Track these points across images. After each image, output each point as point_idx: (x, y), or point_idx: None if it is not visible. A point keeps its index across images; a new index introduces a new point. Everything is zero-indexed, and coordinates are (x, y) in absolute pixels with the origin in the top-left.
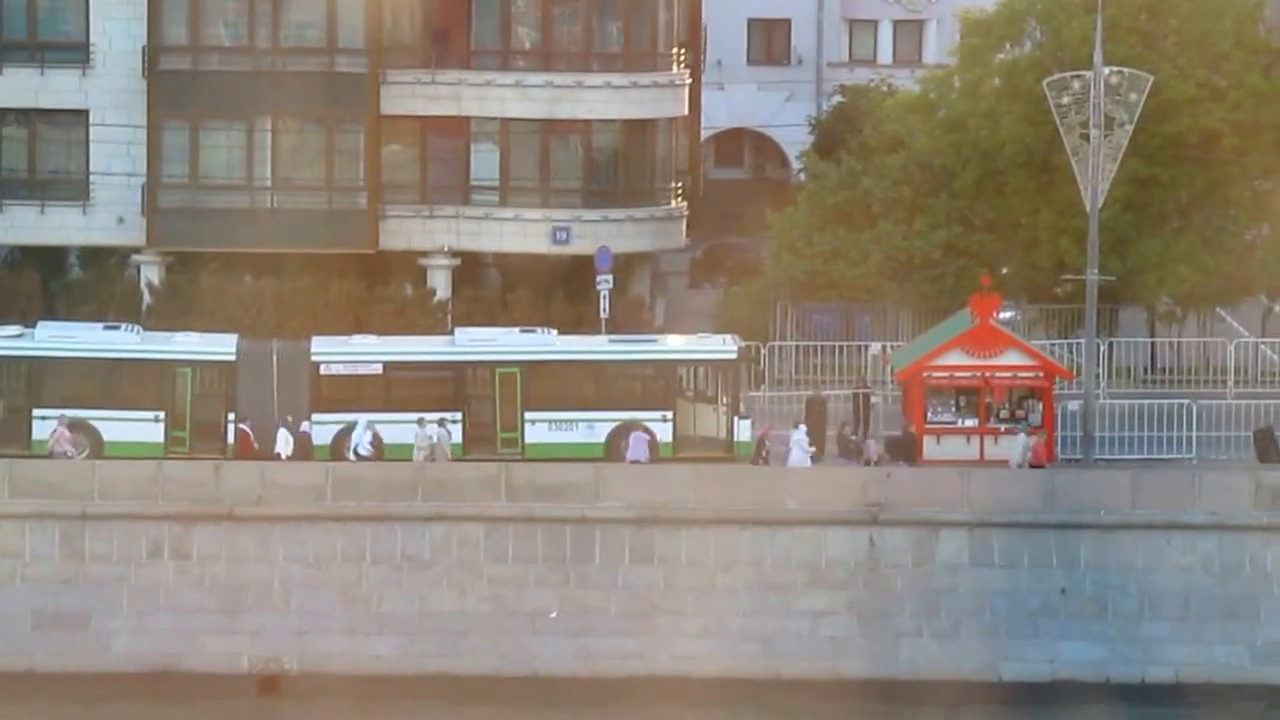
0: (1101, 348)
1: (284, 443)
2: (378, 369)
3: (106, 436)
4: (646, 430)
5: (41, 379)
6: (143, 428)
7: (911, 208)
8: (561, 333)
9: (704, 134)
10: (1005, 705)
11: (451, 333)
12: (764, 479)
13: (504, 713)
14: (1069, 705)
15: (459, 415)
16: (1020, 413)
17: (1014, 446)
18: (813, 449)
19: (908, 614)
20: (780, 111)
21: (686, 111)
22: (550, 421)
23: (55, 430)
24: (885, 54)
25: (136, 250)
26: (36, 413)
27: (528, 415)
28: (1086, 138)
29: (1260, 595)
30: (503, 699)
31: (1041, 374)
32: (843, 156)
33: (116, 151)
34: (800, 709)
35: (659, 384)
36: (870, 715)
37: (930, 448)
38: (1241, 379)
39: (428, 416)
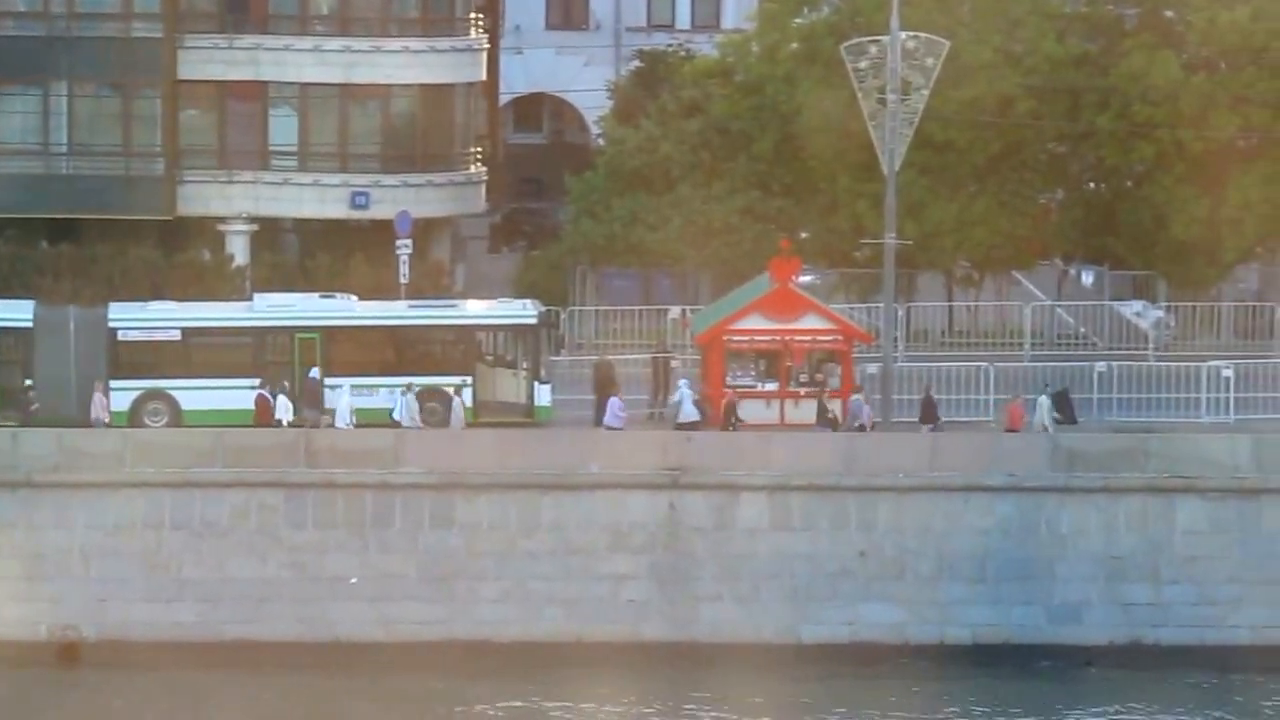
0: (900, 311)
1: (284, 409)
2: (176, 335)
3: None
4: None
5: None
6: None
7: (710, 172)
8: (361, 298)
9: (502, 99)
10: (806, 668)
11: (250, 298)
12: (566, 443)
13: (304, 679)
14: (868, 667)
15: (257, 381)
16: (819, 376)
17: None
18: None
19: (708, 578)
20: (579, 76)
21: (485, 76)
22: (350, 387)
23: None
24: (684, 19)
25: None
26: None
27: (328, 381)
28: (883, 102)
29: (1056, 557)
30: (303, 665)
31: (840, 337)
32: (641, 121)
33: None
34: (602, 672)
35: (459, 349)
36: (671, 678)
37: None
38: (1038, 341)
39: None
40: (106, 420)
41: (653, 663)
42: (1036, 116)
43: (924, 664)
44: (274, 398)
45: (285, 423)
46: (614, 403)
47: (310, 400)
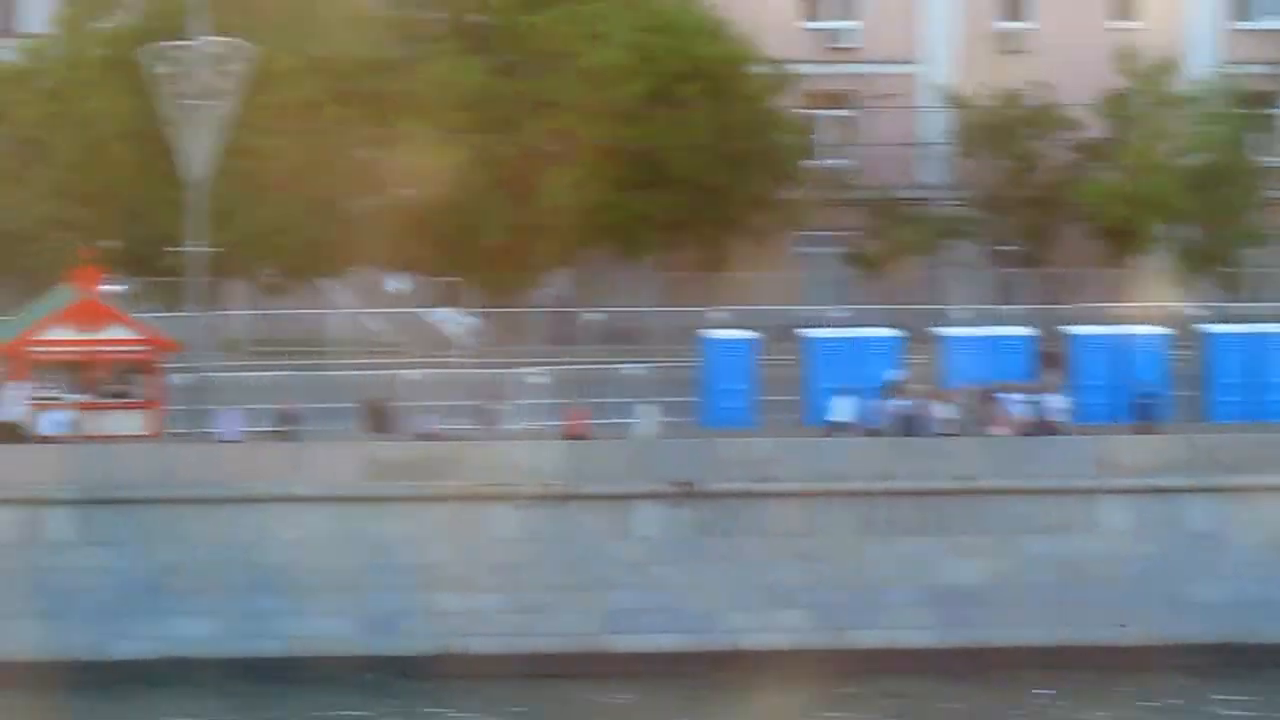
0: (210, 320)
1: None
2: None
3: None
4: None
5: None
6: None
7: (11, 180)
8: None
9: None
10: (117, 685)
11: None
12: None
13: None
14: (181, 683)
15: None
16: (126, 387)
17: None
18: None
19: (15, 595)
20: None
21: None
22: None
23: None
24: None
25: None
26: None
27: None
28: (188, 109)
29: (369, 567)
30: None
31: (147, 348)
32: None
33: None
34: None
35: None
36: None
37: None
38: (347, 349)
39: None
40: None
41: None
42: (343, 121)
43: (237, 679)
44: None
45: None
46: (230, 414)
47: None
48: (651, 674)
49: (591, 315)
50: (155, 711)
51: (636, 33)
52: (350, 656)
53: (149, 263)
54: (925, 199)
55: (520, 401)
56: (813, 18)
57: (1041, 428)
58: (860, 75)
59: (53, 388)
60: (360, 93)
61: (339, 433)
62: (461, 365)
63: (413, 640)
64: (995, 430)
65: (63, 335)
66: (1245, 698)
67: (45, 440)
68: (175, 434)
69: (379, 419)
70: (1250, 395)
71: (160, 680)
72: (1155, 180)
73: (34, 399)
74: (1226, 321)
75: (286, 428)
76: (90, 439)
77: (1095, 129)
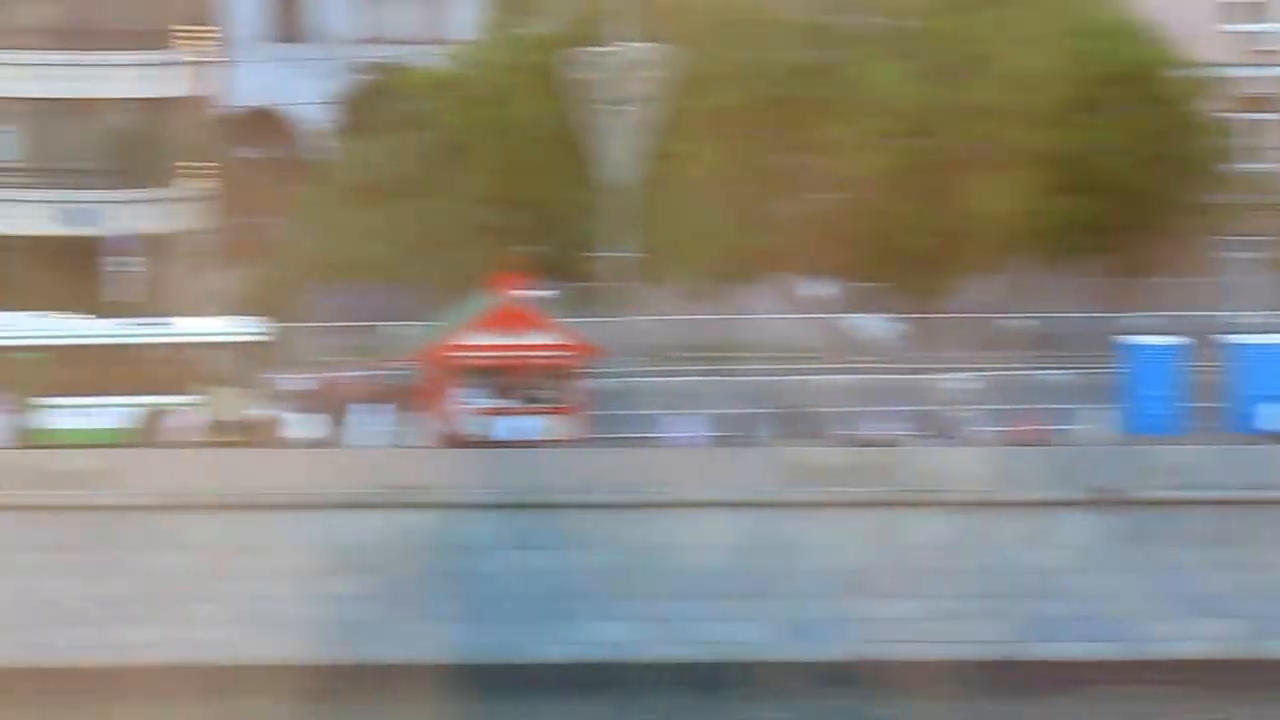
0: (632, 325)
1: None
2: None
3: None
4: None
5: None
6: None
7: (437, 185)
8: (79, 317)
9: (223, 112)
10: (533, 689)
11: None
12: (288, 461)
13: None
14: (598, 688)
15: None
16: (549, 392)
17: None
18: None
19: (433, 597)
20: (301, 89)
21: (205, 90)
22: (73, 408)
23: None
24: (405, 30)
25: None
26: None
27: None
28: (615, 114)
29: (789, 572)
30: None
31: (569, 352)
32: (366, 135)
33: None
34: None
35: (183, 367)
36: None
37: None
38: (770, 356)
39: None
40: None
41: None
42: (770, 127)
43: (663, 684)
44: None
45: None
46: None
47: None
48: (1071, 682)
49: (1012, 321)
50: (570, 716)
51: (1062, 36)
52: (769, 662)
53: (573, 267)
54: None
55: (957, 408)
56: (1234, 21)
57: None
58: None
59: (482, 392)
60: (785, 98)
61: (762, 437)
62: (882, 370)
63: (832, 646)
64: None
65: (485, 340)
66: None
67: (503, 446)
68: (599, 439)
69: (802, 424)
70: None
71: (576, 684)
72: None
73: (487, 407)
74: None
75: (738, 433)
76: (527, 445)
77: None
